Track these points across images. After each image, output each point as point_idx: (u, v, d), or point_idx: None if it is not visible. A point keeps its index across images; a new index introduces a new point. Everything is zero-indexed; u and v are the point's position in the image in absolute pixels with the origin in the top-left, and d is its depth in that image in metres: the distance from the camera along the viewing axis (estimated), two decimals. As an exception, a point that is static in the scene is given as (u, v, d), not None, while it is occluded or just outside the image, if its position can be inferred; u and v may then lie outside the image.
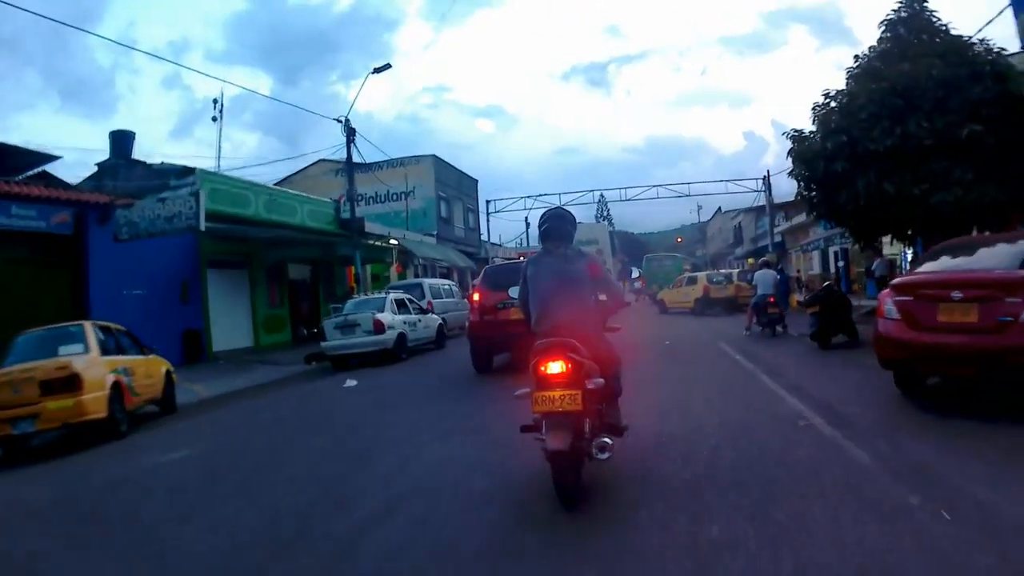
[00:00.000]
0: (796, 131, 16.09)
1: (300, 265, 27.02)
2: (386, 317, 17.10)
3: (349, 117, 24.65)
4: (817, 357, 12.17)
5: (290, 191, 26.07)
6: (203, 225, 16.32)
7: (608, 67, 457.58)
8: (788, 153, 16.03)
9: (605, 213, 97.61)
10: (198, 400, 13.27)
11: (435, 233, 40.35)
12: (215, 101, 33.43)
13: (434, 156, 42.54)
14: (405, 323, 17.95)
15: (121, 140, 23.55)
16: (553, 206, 8.06)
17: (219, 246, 21.21)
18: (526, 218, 55.44)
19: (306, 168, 42.65)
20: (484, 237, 52.75)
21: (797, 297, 25.18)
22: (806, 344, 13.59)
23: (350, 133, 24.61)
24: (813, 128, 15.68)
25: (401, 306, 18.34)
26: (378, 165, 41.12)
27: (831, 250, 35.05)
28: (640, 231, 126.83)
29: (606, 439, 4.48)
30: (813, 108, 15.75)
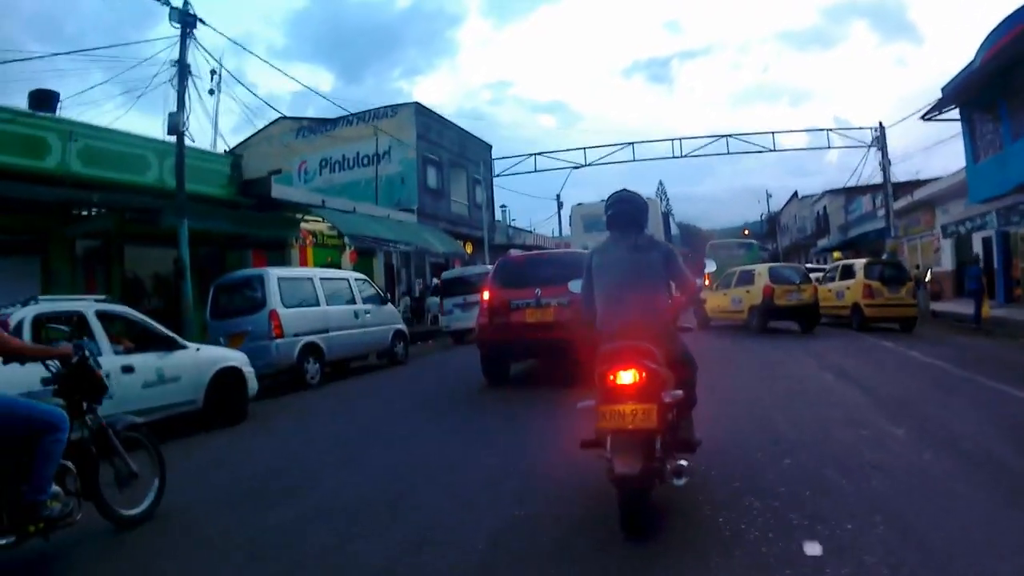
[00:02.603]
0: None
1: (157, 250, 16.28)
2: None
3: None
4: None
5: (130, 134, 15.50)
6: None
7: (670, 63, 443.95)
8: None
9: (663, 197, 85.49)
10: None
11: (415, 208, 29.99)
12: (213, 73, 28.28)
13: (416, 104, 32.00)
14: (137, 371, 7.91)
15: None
16: (621, 190, 4.87)
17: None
18: (558, 197, 44.96)
19: (266, 128, 34.00)
20: (501, 218, 42.51)
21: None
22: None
23: (186, 23, 14.28)
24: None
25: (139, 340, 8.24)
26: (346, 120, 31.72)
27: (978, 236, 23.57)
28: (706, 227, 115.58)
29: (682, 461, 3.90)
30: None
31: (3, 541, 3.86)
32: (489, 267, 22.19)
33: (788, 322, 17.63)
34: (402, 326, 16.32)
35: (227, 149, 20.59)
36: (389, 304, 16.16)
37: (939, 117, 22.77)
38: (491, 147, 37.03)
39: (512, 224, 47.41)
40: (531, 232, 46.84)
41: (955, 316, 19.83)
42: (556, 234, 46.21)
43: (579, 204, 49.73)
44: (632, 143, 28.37)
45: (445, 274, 23.46)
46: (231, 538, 4.51)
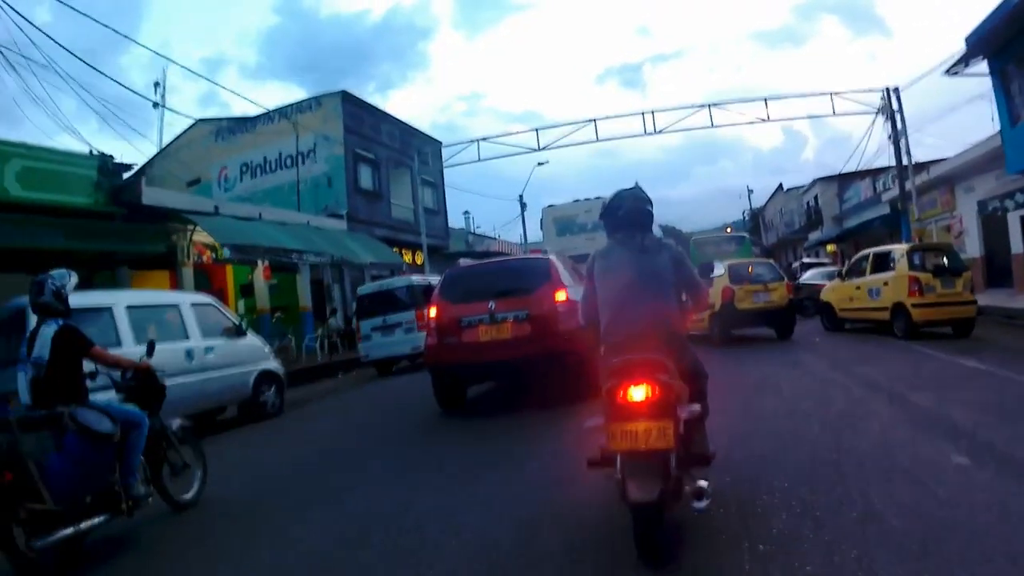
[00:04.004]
0: None
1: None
2: None
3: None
4: None
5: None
6: None
7: (642, 67, 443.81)
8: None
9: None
10: None
11: (344, 213, 25.45)
12: (156, 84, 30.64)
13: (343, 93, 27.25)
14: None
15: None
16: (628, 187, 4.49)
17: None
18: (520, 198, 40.49)
19: (184, 133, 30.81)
20: (465, 224, 38.15)
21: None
22: None
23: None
24: None
25: None
26: (267, 117, 27.48)
27: (1015, 215, 19.25)
28: (685, 230, 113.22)
29: (702, 482, 3.68)
30: None
31: (100, 519, 4.76)
32: (415, 278, 18.17)
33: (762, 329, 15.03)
34: (272, 366, 11.97)
35: (92, 150, 16.39)
36: (250, 337, 11.73)
37: (966, 72, 18.92)
38: (441, 144, 32.38)
39: (475, 231, 43.03)
40: (495, 239, 42.43)
41: (1001, 312, 15.72)
42: (523, 240, 41.68)
43: (550, 206, 45.80)
44: (594, 119, 23.74)
45: (361, 289, 18.93)
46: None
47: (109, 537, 5.08)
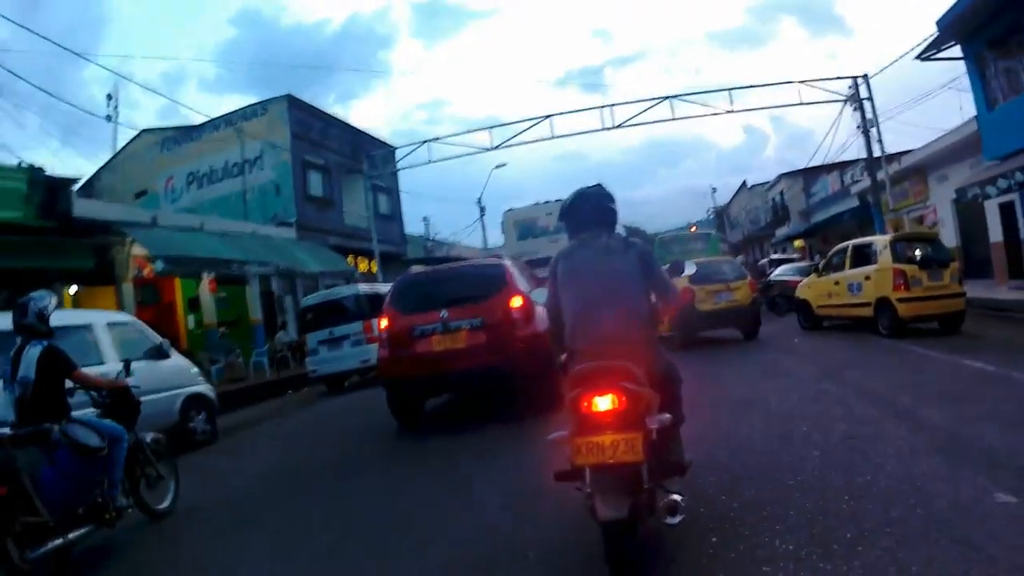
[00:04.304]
0: None
1: None
2: None
3: None
4: None
5: None
6: None
7: (603, 71, 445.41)
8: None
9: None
10: None
11: (293, 221, 24.14)
12: (109, 96, 29.89)
13: (289, 98, 25.87)
14: None
15: None
16: (590, 185, 4.18)
17: None
18: (479, 201, 39.38)
19: (129, 144, 29.22)
20: (425, 231, 37.03)
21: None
22: None
23: None
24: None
25: None
26: (212, 125, 26.11)
27: (992, 203, 18.48)
28: (649, 231, 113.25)
29: (676, 496, 3.49)
30: None
31: (85, 529, 4.92)
32: (362, 286, 17.01)
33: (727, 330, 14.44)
34: (201, 388, 10.84)
35: (21, 162, 15.82)
36: (175, 357, 10.54)
37: (939, 57, 18.33)
38: (394, 148, 31.13)
39: (435, 237, 41.77)
40: (456, 244, 41.25)
41: (985, 303, 14.89)
42: (484, 244, 40.56)
43: (510, 209, 44.50)
44: (550, 116, 22.53)
45: (305, 300, 17.69)
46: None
47: (93, 547, 5.26)
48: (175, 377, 10.18)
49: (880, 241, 12.55)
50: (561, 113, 23.22)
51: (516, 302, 8.26)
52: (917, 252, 11.86)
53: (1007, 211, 18.44)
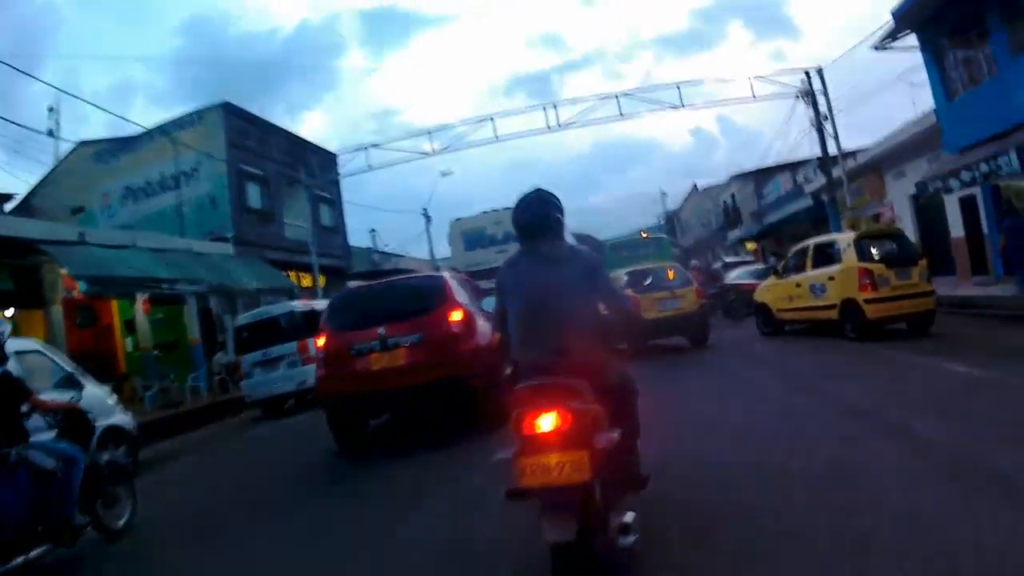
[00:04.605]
0: None
1: None
2: None
3: None
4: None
5: None
6: None
7: (550, 77, 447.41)
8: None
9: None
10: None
11: (231, 236, 22.95)
12: (50, 109, 27.15)
13: (226, 105, 24.73)
14: None
15: None
16: (535, 188, 3.93)
17: None
18: (424, 211, 38.41)
19: (66, 158, 27.60)
20: (372, 243, 35.94)
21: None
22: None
23: None
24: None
25: None
26: (148, 136, 24.93)
27: (953, 198, 18.11)
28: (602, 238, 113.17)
29: (627, 516, 3.46)
30: None
31: (43, 548, 5.02)
32: (296, 304, 16.02)
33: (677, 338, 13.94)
34: (119, 420, 9.98)
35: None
36: (91, 387, 9.60)
37: (894, 46, 18.05)
38: (336, 157, 30.05)
39: (383, 249, 40.68)
40: (403, 256, 40.22)
41: (952, 300, 14.39)
42: (431, 256, 39.63)
43: (457, 219, 43.47)
44: (491, 117, 21.75)
45: (240, 319, 16.59)
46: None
47: (47, 567, 5.24)
48: (89, 408, 9.20)
49: (843, 239, 11.92)
50: (504, 114, 22.61)
51: (456, 316, 7.98)
52: (883, 250, 11.25)
53: (968, 205, 18.10)
